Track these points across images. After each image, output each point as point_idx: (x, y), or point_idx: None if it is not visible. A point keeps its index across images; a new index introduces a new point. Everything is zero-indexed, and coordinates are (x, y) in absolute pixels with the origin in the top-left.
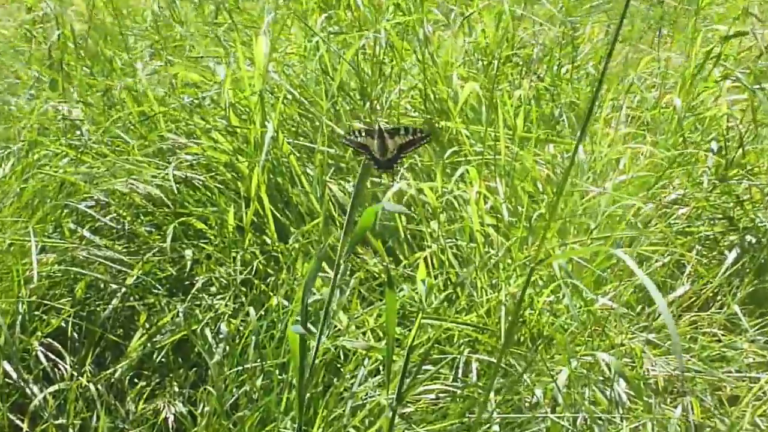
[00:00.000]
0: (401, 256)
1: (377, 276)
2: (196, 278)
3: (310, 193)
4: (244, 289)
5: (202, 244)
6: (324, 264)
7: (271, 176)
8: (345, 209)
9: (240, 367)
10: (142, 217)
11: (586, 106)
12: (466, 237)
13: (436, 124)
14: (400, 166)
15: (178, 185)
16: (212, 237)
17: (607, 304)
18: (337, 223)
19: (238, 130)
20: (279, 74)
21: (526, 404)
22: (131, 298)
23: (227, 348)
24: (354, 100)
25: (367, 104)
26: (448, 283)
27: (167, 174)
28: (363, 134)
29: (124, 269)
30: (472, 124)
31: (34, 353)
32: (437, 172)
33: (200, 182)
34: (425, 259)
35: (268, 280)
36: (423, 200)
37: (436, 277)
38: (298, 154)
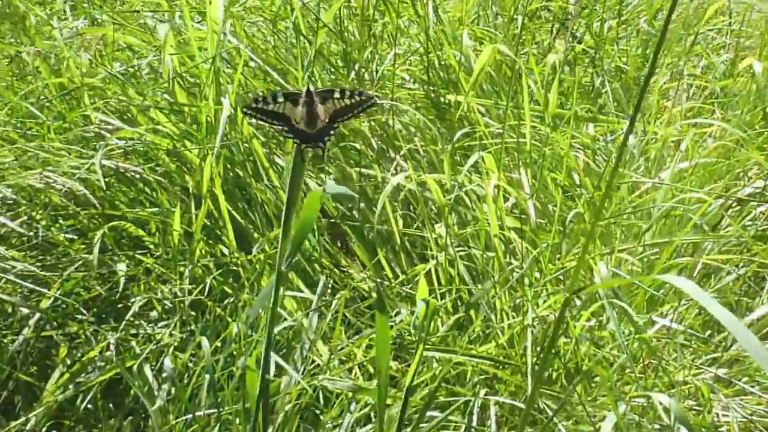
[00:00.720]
0: (397, 270)
1: (366, 295)
2: (132, 300)
3: (280, 188)
4: (194, 313)
5: (140, 256)
6: (297, 280)
7: (229, 167)
8: (326, 209)
9: (189, 415)
10: (61, 221)
11: (638, 74)
12: (482, 244)
13: (442, 99)
14: (332, 143)
15: (107, 179)
16: (152, 246)
17: (665, 329)
18: (315, 227)
19: (186, 108)
20: (238, 36)
21: None
22: (48, 326)
23: (172, 390)
24: (336, 69)
25: (353, 73)
26: (458, 304)
27: (93, 165)
28: (280, 99)
29: (38, 288)
30: (488, 99)
31: None
32: (444, 161)
33: (136, 175)
34: (428, 273)
35: (226, 302)
36: (426, 197)
37: (442, 297)
38: (263, 139)
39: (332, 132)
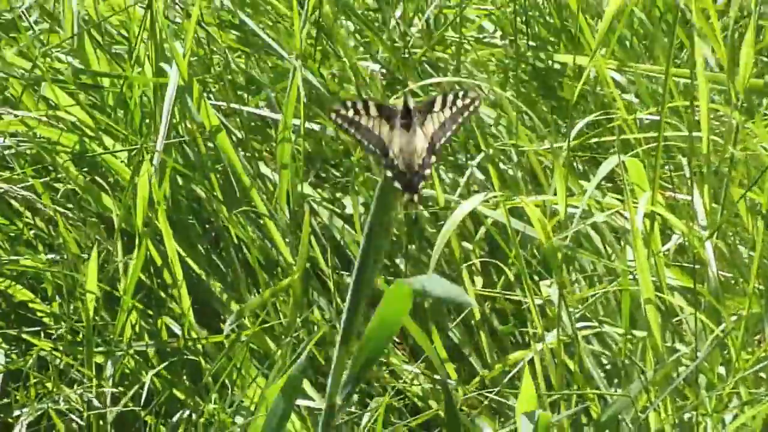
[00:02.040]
0: (474, 361)
1: (420, 405)
2: (15, 414)
3: (267, 218)
4: None
5: (28, 338)
6: (305, 383)
7: (180, 183)
8: (346, 256)
9: None
10: None
11: None
12: (624, 317)
13: (550, 62)
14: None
15: None
16: (49, 321)
17: None
18: (331, 291)
19: (106, 81)
20: None
21: None
22: None
23: None
24: (361, 20)
25: (393, 24)
26: (583, 420)
27: None
28: (374, 112)
29: None
30: (631, 62)
31: None
32: (555, 171)
33: (19, 197)
34: (530, 364)
35: (176, 418)
36: (524, 233)
37: (553, 408)
38: (238, 134)
39: (428, 169)
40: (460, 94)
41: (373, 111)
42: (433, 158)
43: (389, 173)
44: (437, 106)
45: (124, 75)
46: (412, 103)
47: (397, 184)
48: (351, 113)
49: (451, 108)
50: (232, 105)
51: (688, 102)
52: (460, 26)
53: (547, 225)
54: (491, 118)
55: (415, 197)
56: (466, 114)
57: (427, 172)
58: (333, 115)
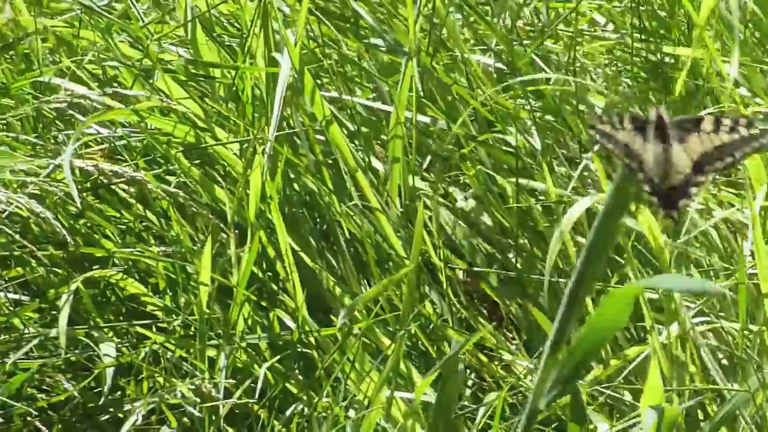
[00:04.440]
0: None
1: None
2: (126, 407)
3: (378, 212)
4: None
5: (140, 330)
6: (410, 366)
7: (292, 176)
8: (457, 250)
9: None
10: None
11: None
12: (741, 311)
13: (660, 55)
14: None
15: (82, 195)
16: (160, 314)
17: None
18: (443, 284)
19: (217, 72)
20: None
21: None
22: None
23: None
24: (475, 11)
25: (504, 15)
26: (700, 415)
27: (58, 169)
28: (627, 124)
29: None
30: (746, 56)
31: None
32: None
33: (131, 190)
34: (646, 361)
35: (290, 412)
36: (639, 232)
37: (669, 404)
38: (351, 126)
39: (695, 188)
40: (742, 121)
41: (627, 123)
42: (702, 178)
43: (647, 188)
44: (707, 127)
45: (236, 65)
46: (667, 116)
47: (654, 199)
48: (608, 128)
49: (731, 132)
50: (345, 96)
51: None
52: (575, 19)
53: (654, 225)
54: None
55: (675, 214)
56: (756, 144)
57: (694, 190)
58: (594, 133)
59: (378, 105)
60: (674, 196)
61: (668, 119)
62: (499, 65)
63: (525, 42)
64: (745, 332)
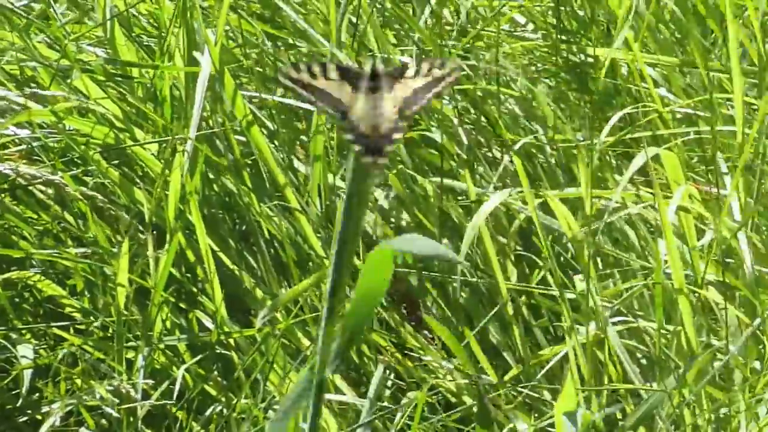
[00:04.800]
0: (508, 356)
1: (455, 401)
2: (44, 410)
3: (300, 213)
4: None
5: (57, 331)
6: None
7: (211, 176)
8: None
9: None
10: None
11: None
12: (657, 311)
13: (582, 56)
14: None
15: None
16: (79, 315)
17: None
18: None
19: (136, 71)
20: None
21: None
22: None
23: None
24: (397, 4)
25: (426, 14)
26: (617, 416)
27: None
28: (333, 74)
29: None
30: (666, 54)
31: None
32: (579, 164)
33: (49, 191)
34: (564, 360)
35: (209, 413)
36: (557, 230)
37: (587, 403)
38: (271, 125)
39: (400, 134)
40: (437, 63)
41: (332, 74)
42: (404, 123)
43: (349, 136)
44: (410, 74)
45: (155, 65)
46: (381, 68)
47: (357, 147)
48: (306, 76)
49: (426, 76)
50: (264, 96)
51: (721, 96)
52: (497, 20)
53: (570, 218)
54: (524, 110)
55: (380, 160)
56: (444, 84)
57: (397, 136)
58: (283, 78)
59: (299, 104)
60: (380, 143)
61: (381, 71)
62: None
63: (448, 42)
64: (662, 332)
